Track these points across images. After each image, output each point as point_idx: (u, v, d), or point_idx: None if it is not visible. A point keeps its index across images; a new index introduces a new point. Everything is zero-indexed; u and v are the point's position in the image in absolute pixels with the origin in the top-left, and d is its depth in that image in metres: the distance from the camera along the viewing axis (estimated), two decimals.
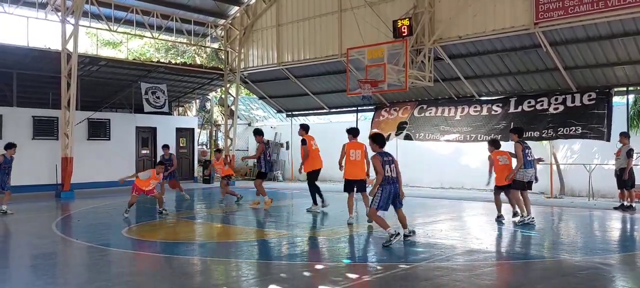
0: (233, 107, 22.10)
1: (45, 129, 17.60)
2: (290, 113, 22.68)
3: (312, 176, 11.75)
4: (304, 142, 11.73)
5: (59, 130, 16.87)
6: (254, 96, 25.32)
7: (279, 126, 24.36)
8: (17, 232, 9.88)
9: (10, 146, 12.03)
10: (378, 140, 8.03)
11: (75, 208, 13.14)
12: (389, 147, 17.95)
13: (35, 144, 17.34)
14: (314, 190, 11.66)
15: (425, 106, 17.44)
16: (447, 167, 17.98)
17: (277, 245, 8.60)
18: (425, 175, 18.37)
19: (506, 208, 10.40)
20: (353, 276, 6.26)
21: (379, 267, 6.81)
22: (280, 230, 10.03)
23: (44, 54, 17.29)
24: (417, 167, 18.28)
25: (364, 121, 20.06)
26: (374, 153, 7.90)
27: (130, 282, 6.18)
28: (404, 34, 14.80)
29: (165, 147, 15.13)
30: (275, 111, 24.21)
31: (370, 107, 19.24)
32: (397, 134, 17.44)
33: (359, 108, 19.83)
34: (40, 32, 26.81)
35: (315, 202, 11.68)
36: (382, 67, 14.17)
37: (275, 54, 19.71)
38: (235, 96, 21.96)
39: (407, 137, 17.32)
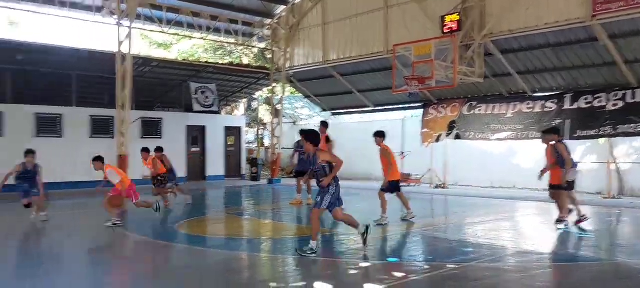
0: (279, 106, 22.33)
1: (102, 128, 18.33)
2: (335, 111, 22.69)
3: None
4: (328, 139, 12.09)
5: (115, 128, 17.55)
6: (299, 95, 25.49)
7: None
8: (76, 227, 10.33)
9: (28, 153, 10.14)
10: (315, 138, 7.18)
11: (130, 203, 13.60)
12: (438, 146, 17.81)
13: (93, 142, 18.07)
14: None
15: (474, 103, 17.02)
16: (497, 166, 17.48)
17: (321, 243, 8.62)
18: (474, 174, 17.92)
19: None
20: (399, 274, 6.19)
21: (425, 266, 6.70)
22: (325, 227, 10.05)
23: (101, 55, 18.02)
24: (464, 166, 17.87)
25: (411, 119, 19.81)
26: (316, 149, 7.06)
27: (180, 276, 6.34)
28: (452, 30, 14.52)
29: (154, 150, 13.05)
30: (320, 110, 24.28)
31: (417, 105, 18.97)
32: (448, 134, 17.14)
33: (405, 105, 19.59)
34: (96, 34, 27.91)
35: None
36: (429, 63, 13.95)
37: (320, 52, 19.76)
38: (281, 95, 22.19)
39: (457, 137, 16.96)
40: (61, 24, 26.11)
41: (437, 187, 17.42)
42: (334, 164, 6.99)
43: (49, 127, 17.13)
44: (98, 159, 9.75)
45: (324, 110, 23.51)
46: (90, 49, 17.86)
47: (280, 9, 20.67)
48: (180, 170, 20.27)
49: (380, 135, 9.94)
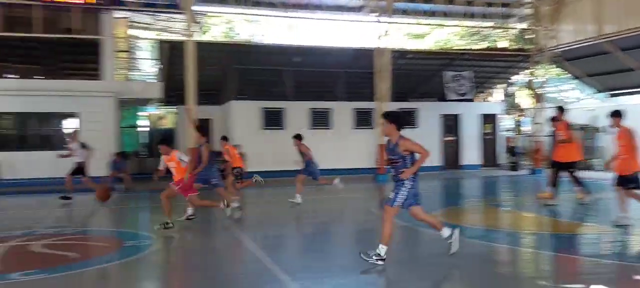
0: (540, 90, 20.55)
1: (363, 120, 19.82)
2: (613, 92, 19.73)
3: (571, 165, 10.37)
4: (569, 126, 10.52)
5: (374, 120, 18.76)
6: (565, 76, 22.97)
7: (597, 108, 21.50)
8: (344, 210, 11.42)
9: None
10: (401, 121, 5.95)
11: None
12: None
13: (356, 133, 19.67)
14: (579, 181, 10.38)
15: None
16: None
17: (596, 241, 7.65)
18: None
19: None
20: None
21: None
22: (600, 224, 8.88)
23: (363, 52, 19.45)
24: None
25: None
26: (399, 136, 5.86)
27: (439, 263, 6.42)
28: None
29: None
30: (594, 91, 21.44)
31: None
32: None
33: None
34: (355, 32, 30.10)
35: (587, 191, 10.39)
36: None
37: (594, 26, 17.41)
38: (543, 78, 20.38)
39: None
40: (328, 25, 29.12)
41: None
42: (418, 156, 5.86)
43: (320, 120, 19.33)
44: (164, 142, 8.82)
45: (599, 91, 20.74)
46: (354, 47, 19.45)
47: None
48: (435, 160, 20.55)
49: (618, 114, 8.27)
